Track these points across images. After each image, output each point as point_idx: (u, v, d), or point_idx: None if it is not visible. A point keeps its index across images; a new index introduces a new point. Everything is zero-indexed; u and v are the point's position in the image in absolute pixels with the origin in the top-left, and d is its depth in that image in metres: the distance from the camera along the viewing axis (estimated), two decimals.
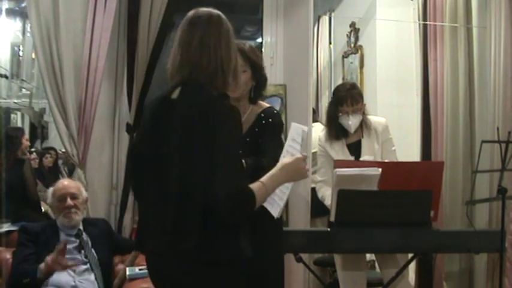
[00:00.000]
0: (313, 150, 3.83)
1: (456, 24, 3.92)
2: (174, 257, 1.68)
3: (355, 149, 3.10)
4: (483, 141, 2.40)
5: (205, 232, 1.63)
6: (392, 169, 2.64)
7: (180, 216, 1.67)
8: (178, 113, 1.71)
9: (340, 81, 5.43)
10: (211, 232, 1.63)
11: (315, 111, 4.67)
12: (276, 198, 1.86)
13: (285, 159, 1.82)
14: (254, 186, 1.67)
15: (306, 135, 1.86)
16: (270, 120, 2.48)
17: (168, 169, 1.70)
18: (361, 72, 4.93)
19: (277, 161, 1.86)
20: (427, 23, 4.08)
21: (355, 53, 5.06)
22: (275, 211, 1.90)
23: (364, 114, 3.10)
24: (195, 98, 1.72)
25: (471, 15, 3.93)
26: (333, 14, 5.61)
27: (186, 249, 1.65)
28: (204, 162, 1.62)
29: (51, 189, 2.92)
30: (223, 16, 1.81)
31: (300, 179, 1.84)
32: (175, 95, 1.76)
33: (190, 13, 1.84)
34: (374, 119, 3.16)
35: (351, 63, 5.17)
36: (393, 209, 2.58)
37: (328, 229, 2.79)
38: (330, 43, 5.74)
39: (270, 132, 2.48)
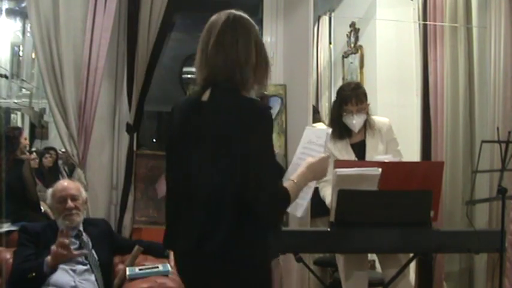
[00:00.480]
0: None
1: (456, 24, 3.92)
2: (202, 257, 1.70)
3: (359, 149, 3.09)
4: (483, 141, 2.40)
5: (233, 233, 1.67)
6: (392, 169, 2.64)
7: (209, 217, 1.69)
8: (210, 115, 1.74)
9: (340, 81, 5.43)
10: (239, 233, 1.67)
11: (318, 111, 4.66)
12: (298, 198, 1.88)
13: (310, 158, 1.86)
14: (287, 185, 1.73)
15: (328, 137, 1.92)
16: None
17: (198, 170, 1.73)
18: (361, 72, 4.93)
19: None
20: (427, 23, 4.08)
21: (355, 53, 5.07)
22: (299, 211, 1.92)
23: (368, 114, 3.10)
24: (225, 100, 1.74)
25: (471, 15, 3.93)
26: (333, 14, 5.62)
27: (214, 249, 1.68)
28: (236, 164, 1.66)
29: (50, 190, 2.91)
30: (244, 15, 1.83)
31: (322, 178, 1.89)
32: (205, 97, 1.78)
33: (213, 16, 1.88)
34: (378, 119, 3.16)
35: (351, 63, 5.17)
36: (393, 209, 2.58)
37: (328, 229, 2.79)
38: (330, 43, 5.74)
39: None
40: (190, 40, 5.79)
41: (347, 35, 5.19)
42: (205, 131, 1.73)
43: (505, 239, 2.51)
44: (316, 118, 4.37)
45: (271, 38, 3.76)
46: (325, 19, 5.69)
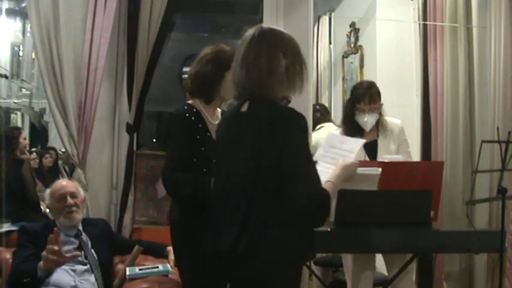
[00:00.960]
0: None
1: (456, 24, 3.92)
2: (236, 258, 1.79)
3: (370, 148, 3.09)
4: (483, 141, 2.40)
5: (270, 233, 1.77)
6: (392, 169, 2.64)
7: (244, 218, 1.79)
8: (249, 125, 1.88)
9: (340, 81, 5.43)
10: (276, 234, 1.77)
11: (328, 111, 4.66)
12: None
13: (345, 161, 2.02)
14: (326, 186, 1.85)
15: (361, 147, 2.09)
16: None
17: (235, 174, 1.86)
18: (361, 72, 4.93)
19: None
20: (427, 23, 4.08)
21: (355, 53, 5.07)
22: None
23: (380, 114, 3.10)
24: (260, 109, 1.87)
25: (471, 15, 3.93)
26: (333, 14, 5.62)
27: (247, 250, 1.77)
28: (270, 168, 1.76)
29: (48, 191, 2.90)
30: (272, 28, 1.96)
31: (349, 180, 2.06)
32: (244, 108, 1.92)
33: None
34: (390, 120, 3.17)
35: (351, 63, 5.17)
36: (393, 209, 2.58)
37: (328, 229, 2.79)
38: (330, 43, 5.74)
39: None
40: (190, 40, 5.79)
41: (347, 35, 5.19)
42: (244, 138, 1.87)
43: (505, 239, 2.51)
44: (327, 118, 4.38)
45: None
46: (325, 19, 5.69)
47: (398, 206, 2.58)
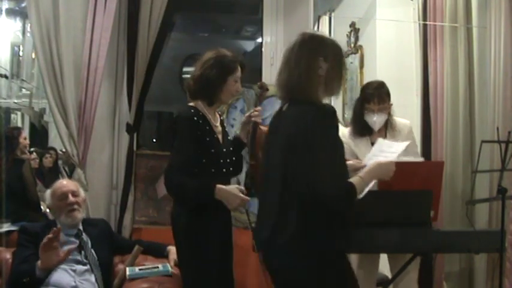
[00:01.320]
0: None
1: (456, 24, 3.91)
2: (275, 247, 1.95)
3: None
4: (483, 141, 2.40)
5: (301, 226, 1.89)
6: None
7: (280, 210, 1.94)
8: (284, 121, 2.05)
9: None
10: (306, 226, 1.89)
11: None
12: None
13: (381, 159, 2.13)
14: (354, 180, 1.95)
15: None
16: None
17: (274, 170, 2.01)
18: (361, 72, 4.92)
19: None
20: (427, 23, 4.08)
21: (355, 53, 5.06)
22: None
23: (389, 114, 3.11)
24: (296, 108, 2.02)
25: (471, 15, 3.93)
26: (333, 14, 5.61)
27: (284, 240, 1.91)
28: (305, 164, 1.88)
29: (49, 191, 2.90)
30: (315, 34, 2.11)
31: (386, 178, 2.13)
32: (285, 107, 2.11)
33: None
34: (399, 120, 3.18)
35: (351, 63, 5.16)
36: (393, 209, 2.58)
37: None
38: None
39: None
40: (190, 40, 5.79)
41: (347, 35, 5.18)
42: (280, 134, 2.03)
43: (505, 239, 2.50)
44: None
45: (271, 38, 3.76)
46: (325, 19, 5.68)
47: (398, 206, 2.58)
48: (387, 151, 2.19)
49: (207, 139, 2.48)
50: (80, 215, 2.85)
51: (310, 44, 2.05)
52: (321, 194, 1.85)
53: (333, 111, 1.97)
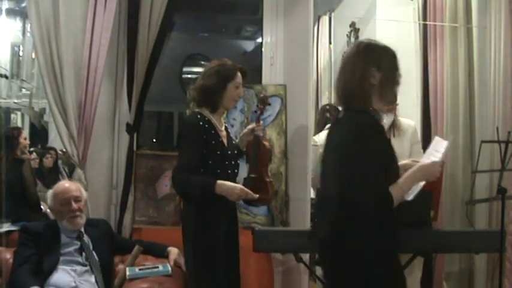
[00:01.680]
0: None
1: (456, 24, 3.91)
2: (321, 247, 2.11)
3: None
4: (483, 141, 2.40)
5: (341, 229, 2.01)
6: None
7: (330, 216, 2.06)
8: (337, 130, 2.17)
9: None
10: (346, 230, 2.00)
11: (338, 110, 4.66)
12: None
13: (424, 161, 2.16)
14: (392, 187, 1.99)
15: (448, 147, 2.20)
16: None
17: (329, 175, 2.13)
18: None
19: None
20: (427, 23, 4.08)
21: None
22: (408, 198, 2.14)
23: (395, 114, 3.13)
24: (347, 116, 2.15)
25: (471, 15, 3.93)
26: (333, 14, 5.61)
27: (326, 240, 2.06)
28: (345, 170, 1.99)
29: (51, 192, 2.89)
30: (370, 42, 2.15)
31: (432, 179, 2.13)
32: (341, 114, 2.20)
33: None
34: (404, 120, 3.20)
35: None
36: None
37: None
38: (330, 43, 5.73)
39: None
40: (190, 40, 5.79)
41: (347, 35, 5.18)
42: (334, 141, 2.13)
43: (505, 239, 2.51)
44: (336, 117, 4.39)
45: (271, 38, 3.76)
46: (325, 19, 5.68)
47: (398, 206, 2.58)
48: (439, 150, 2.20)
49: (213, 142, 2.62)
50: (81, 220, 2.85)
51: (364, 54, 2.11)
52: (351, 203, 1.96)
53: (375, 121, 2.07)
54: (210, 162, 2.61)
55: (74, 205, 2.81)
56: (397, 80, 2.15)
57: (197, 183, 2.53)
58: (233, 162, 2.72)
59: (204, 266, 2.58)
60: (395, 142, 3.08)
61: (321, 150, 4.16)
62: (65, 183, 2.96)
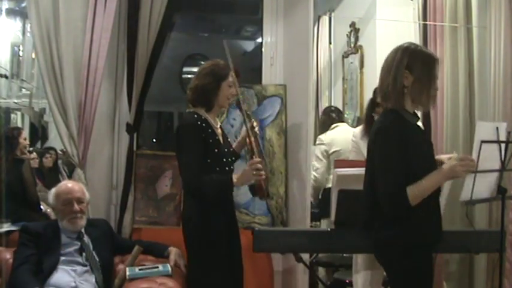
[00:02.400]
0: (334, 149, 3.88)
1: (456, 24, 3.91)
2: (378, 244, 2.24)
3: None
4: (483, 141, 2.39)
5: (379, 222, 2.18)
6: None
7: (367, 211, 2.23)
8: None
9: (340, 81, 5.44)
10: (380, 223, 2.18)
11: (342, 113, 4.73)
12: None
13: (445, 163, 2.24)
14: (411, 186, 2.08)
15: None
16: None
17: (367, 171, 2.27)
18: (361, 72, 4.93)
19: None
20: (427, 23, 4.08)
21: (355, 53, 5.07)
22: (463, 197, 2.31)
23: None
24: (380, 114, 2.29)
25: (471, 15, 3.93)
26: (333, 14, 5.62)
27: (372, 234, 2.22)
28: (376, 170, 2.16)
29: (53, 191, 2.88)
30: (409, 47, 2.22)
31: (457, 177, 2.23)
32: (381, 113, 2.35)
33: None
34: None
35: (351, 63, 5.17)
36: None
37: (328, 229, 2.79)
38: (330, 43, 5.74)
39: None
40: (190, 40, 5.79)
41: (347, 35, 5.19)
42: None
43: (505, 239, 2.51)
44: (341, 119, 4.45)
45: (271, 38, 3.76)
46: (325, 19, 5.69)
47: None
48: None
49: (210, 140, 2.68)
50: (82, 222, 2.84)
51: (400, 56, 2.19)
52: (383, 201, 2.12)
53: (398, 121, 2.16)
54: (209, 160, 2.66)
55: (76, 207, 2.81)
56: (429, 86, 2.19)
57: (215, 183, 2.62)
58: (230, 160, 2.78)
59: (206, 266, 2.62)
60: None
61: (324, 147, 4.20)
62: (68, 183, 2.95)
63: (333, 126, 4.26)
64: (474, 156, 2.26)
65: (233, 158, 2.86)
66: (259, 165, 2.59)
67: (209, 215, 2.63)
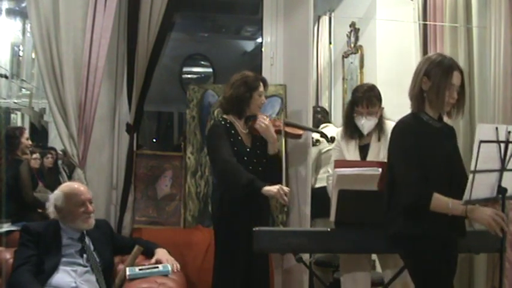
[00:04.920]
0: (326, 148, 3.86)
1: (456, 24, 3.91)
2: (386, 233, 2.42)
3: (366, 151, 3.09)
4: (482, 141, 2.40)
5: (398, 216, 2.35)
6: None
7: (388, 210, 2.41)
8: None
9: (340, 81, 5.43)
10: (399, 216, 2.36)
11: (328, 113, 4.69)
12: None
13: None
14: (440, 199, 2.29)
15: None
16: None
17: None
18: (361, 72, 4.93)
19: None
20: (427, 23, 4.08)
21: (355, 53, 5.06)
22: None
23: (381, 117, 3.09)
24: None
25: (471, 15, 3.93)
26: (333, 14, 5.61)
27: (391, 228, 2.39)
28: (396, 167, 2.38)
29: (61, 193, 2.83)
30: (432, 55, 2.50)
31: (483, 224, 2.38)
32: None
33: None
34: (391, 123, 3.15)
35: (351, 63, 5.16)
36: None
37: (328, 229, 2.79)
38: (330, 43, 5.73)
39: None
40: (190, 40, 5.80)
41: (347, 35, 5.18)
42: None
43: (505, 239, 2.50)
44: (327, 120, 4.41)
45: (271, 38, 3.76)
46: (325, 19, 5.68)
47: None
48: None
49: (231, 140, 3.02)
50: (93, 221, 2.85)
51: (422, 63, 2.44)
52: (404, 202, 2.31)
53: (416, 122, 2.38)
54: None
55: (90, 207, 2.83)
56: (441, 92, 2.36)
57: (248, 179, 2.87)
58: (255, 160, 3.05)
59: (221, 260, 3.00)
60: (372, 146, 3.08)
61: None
62: (74, 184, 2.94)
63: (322, 126, 4.21)
64: (474, 156, 2.32)
65: (263, 160, 3.09)
66: (287, 194, 2.87)
67: (232, 211, 2.95)
